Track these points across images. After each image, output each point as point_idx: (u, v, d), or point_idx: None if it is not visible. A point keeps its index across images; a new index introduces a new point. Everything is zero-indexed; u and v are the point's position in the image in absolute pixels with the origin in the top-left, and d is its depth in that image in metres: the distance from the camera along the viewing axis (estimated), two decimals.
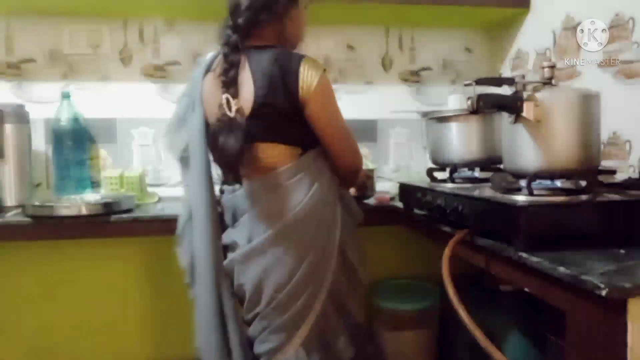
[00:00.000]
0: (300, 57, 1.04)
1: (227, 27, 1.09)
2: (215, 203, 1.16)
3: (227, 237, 1.15)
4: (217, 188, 1.20)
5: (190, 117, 1.14)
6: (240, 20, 1.06)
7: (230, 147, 1.02)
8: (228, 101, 1.03)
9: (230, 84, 1.05)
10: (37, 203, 1.39)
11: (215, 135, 1.05)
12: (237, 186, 1.14)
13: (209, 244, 1.11)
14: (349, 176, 1.17)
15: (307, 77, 1.02)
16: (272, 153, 1.07)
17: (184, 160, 1.17)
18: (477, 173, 1.33)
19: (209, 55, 1.17)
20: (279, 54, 1.05)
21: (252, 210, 1.08)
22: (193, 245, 1.16)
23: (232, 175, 1.15)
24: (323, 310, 1.08)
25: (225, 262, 1.13)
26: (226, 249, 1.15)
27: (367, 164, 1.65)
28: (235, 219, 1.14)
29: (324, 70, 1.06)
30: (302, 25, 1.16)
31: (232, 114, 1.03)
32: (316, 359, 1.07)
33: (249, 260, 1.07)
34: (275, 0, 1.07)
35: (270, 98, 1.02)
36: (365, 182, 1.52)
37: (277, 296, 1.05)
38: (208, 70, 1.14)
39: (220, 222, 1.17)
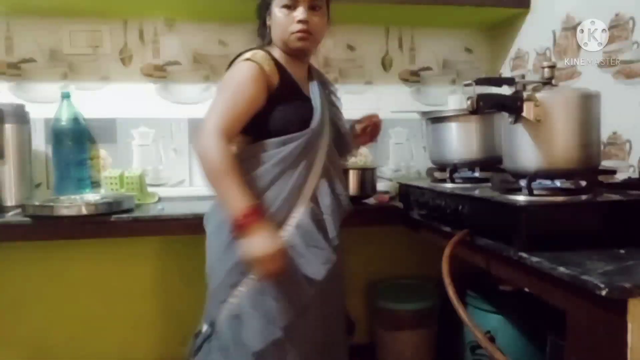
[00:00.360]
0: (250, 50, 1.13)
1: None
2: None
3: None
4: None
5: None
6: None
7: None
8: None
9: None
10: (37, 203, 1.39)
11: None
12: None
13: None
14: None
15: (233, 64, 1.13)
16: (235, 140, 1.12)
17: None
18: (477, 173, 1.33)
19: None
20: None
21: None
22: None
23: None
24: (240, 302, 1.07)
25: None
26: None
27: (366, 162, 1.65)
28: None
29: (248, 59, 1.09)
30: (276, 24, 1.16)
31: None
32: (216, 343, 1.10)
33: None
34: (258, 8, 1.21)
35: None
36: None
37: (209, 263, 1.15)
38: None
39: None
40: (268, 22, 1.18)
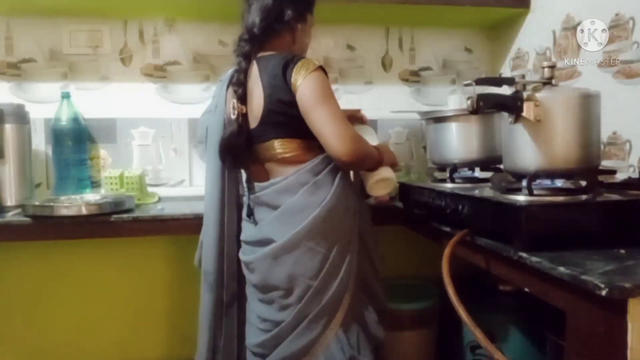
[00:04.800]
0: (300, 57, 1.13)
1: (242, 39, 1.20)
2: (224, 202, 1.28)
3: (259, 232, 1.18)
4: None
5: (211, 116, 1.29)
6: (255, 30, 1.17)
7: (233, 139, 1.16)
8: (234, 106, 1.17)
9: (238, 86, 1.17)
10: (37, 203, 1.39)
11: (228, 137, 1.18)
12: (266, 183, 1.18)
13: (216, 240, 1.27)
14: (344, 166, 1.14)
15: (299, 70, 1.09)
16: (290, 147, 1.14)
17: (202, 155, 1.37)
18: (477, 173, 1.33)
19: (230, 71, 1.27)
20: (284, 57, 1.13)
21: (286, 205, 1.13)
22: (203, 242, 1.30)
23: (237, 166, 1.27)
24: (354, 293, 1.15)
25: (254, 257, 1.17)
26: (257, 244, 1.18)
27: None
28: (266, 215, 1.18)
29: (319, 67, 1.11)
30: (309, 36, 1.28)
31: (234, 116, 1.16)
32: (354, 338, 1.14)
33: (282, 254, 1.12)
34: (288, 13, 1.19)
35: (276, 94, 1.11)
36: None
37: (312, 284, 1.10)
38: (230, 82, 1.24)
39: (240, 219, 1.30)
40: (300, 26, 1.22)
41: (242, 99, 1.16)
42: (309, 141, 1.13)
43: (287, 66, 1.10)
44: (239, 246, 1.27)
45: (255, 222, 1.21)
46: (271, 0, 1.18)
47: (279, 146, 1.14)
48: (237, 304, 1.32)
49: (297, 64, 1.10)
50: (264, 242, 1.15)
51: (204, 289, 1.30)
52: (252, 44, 1.18)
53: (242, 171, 1.31)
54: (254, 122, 1.16)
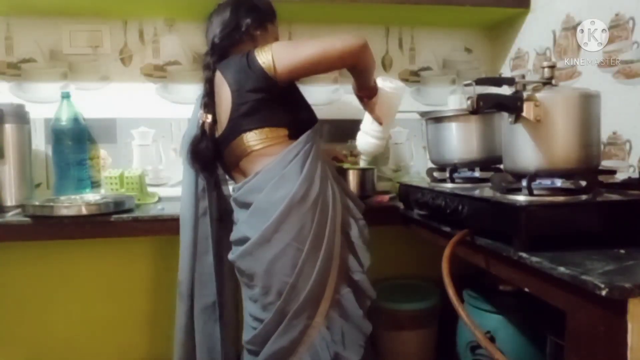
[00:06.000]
0: (255, 48, 1.18)
1: (206, 54, 1.27)
2: (197, 212, 1.35)
3: (238, 232, 1.20)
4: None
5: (190, 133, 1.33)
6: (216, 40, 1.24)
7: (197, 143, 1.24)
8: (199, 116, 1.25)
9: (204, 96, 1.24)
10: (37, 203, 1.39)
11: (191, 143, 1.26)
12: (239, 184, 1.21)
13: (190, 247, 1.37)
14: (361, 65, 1.19)
15: (262, 50, 1.14)
16: (259, 138, 1.16)
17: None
18: (477, 173, 1.33)
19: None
20: (243, 53, 1.18)
21: (256, 202, 1.14)
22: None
23: (209, 175, 1.32)
24: (337, 288, 1.14)
25: (236, 256, 1.19)
26: (238, 243, 1.20)
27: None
28: (243, 215, 1.20)
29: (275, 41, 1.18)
30: (275, 39, 1.31)
31: (199, 125, 1.24)
32: (338, 334, 1.13)
33: (257, 249, 1.12)
34: (246, 22, 1.25)
35: (244, 86, 1.14)
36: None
37: (288, 280, 1.10)
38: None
39: (226, 221, 1.35)
40: (260, 34, 1.27)
41: (207, 106, 1.23)
42: (278, 129, 1.16)
43: (249, 56, 1.15)
44: (218, 252, 1.34)
45: (235, 223, 1.24)
46: (229, 13, 1.25)
47: (249, 139, 1.16)
48: (222, 307, 1.37)
49: (257, 49, 1.15)
50: (242, 241, 1.17)
51: (177, 298, 1.35)
52: (214, 54, 1.23)
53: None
54: (224, 121, 1.19)
